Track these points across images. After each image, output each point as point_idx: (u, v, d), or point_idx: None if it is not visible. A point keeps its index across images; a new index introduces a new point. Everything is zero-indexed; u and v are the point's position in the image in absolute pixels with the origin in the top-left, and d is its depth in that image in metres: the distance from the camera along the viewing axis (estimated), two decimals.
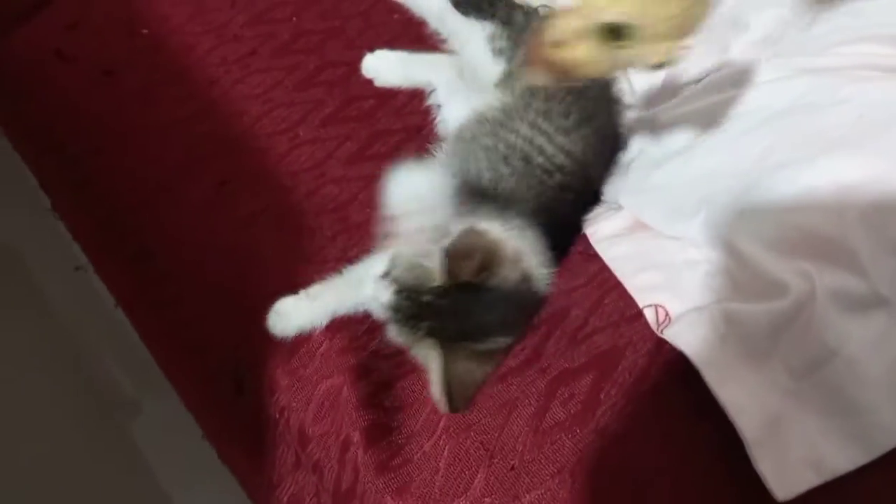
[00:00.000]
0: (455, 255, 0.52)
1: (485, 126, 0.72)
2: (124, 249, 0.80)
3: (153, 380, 1.10)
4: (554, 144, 0.68)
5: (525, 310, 0.56)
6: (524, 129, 0.69)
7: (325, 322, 0.67)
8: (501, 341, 0.54)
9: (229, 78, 0.87)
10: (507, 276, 0.53)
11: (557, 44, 0.49)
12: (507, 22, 0.78)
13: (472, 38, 0.80)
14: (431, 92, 0.86)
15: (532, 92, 0.72)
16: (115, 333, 1.16)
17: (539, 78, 0.52)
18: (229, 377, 0.71)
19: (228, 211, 0.78)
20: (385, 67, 0.88)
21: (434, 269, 0.55)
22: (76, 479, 1.02)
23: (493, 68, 0.77)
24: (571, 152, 0.69)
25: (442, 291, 0.53)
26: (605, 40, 0.46)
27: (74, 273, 1.18)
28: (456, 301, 0.53)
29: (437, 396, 0.51)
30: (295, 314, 0.67)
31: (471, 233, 0.53)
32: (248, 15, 0.91)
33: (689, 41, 0.47)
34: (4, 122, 0.94)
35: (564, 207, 0.67)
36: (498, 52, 0.77)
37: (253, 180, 0.80)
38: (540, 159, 0.67)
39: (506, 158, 0.67)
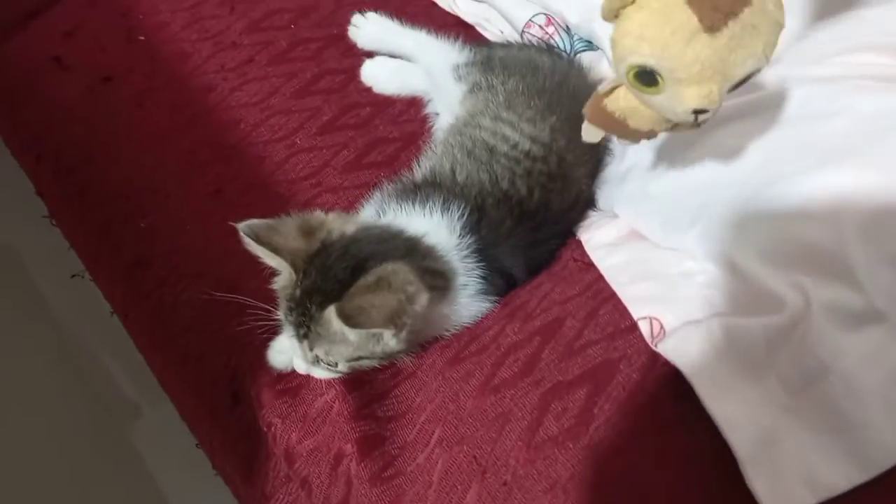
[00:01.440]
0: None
1: (454, 128, 0.74)
2: (121, 258, 0.80)
3: (153, 385, 1.11)
4: (518, 132, 0.69)
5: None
6: (487, 122, 0.71)
7: None
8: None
9: (227, 85, 0.87)
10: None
11: (607, 94, 0.47)
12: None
13: (438, 67, 0.83)
14: (429, 101, 0.86)
15: (493, 93, 0.74)
16: (113, 339, 1.17)
17: (595, 134, 0.50)
18: (225, 386, 0.71)
19: (225, 219, 0.78)
20: (383, 75, 0.88)
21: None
22: (76, 482, 1.02)
23: (456, 90, 0.80)
24: (538, 138, 0.69)
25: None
26: (636, 86, 0.44)
27: (71, 279, 1.19)
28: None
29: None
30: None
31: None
32: (246, 22, 0.91)
33: (728, 86, 0.43)
34: (2, 129, 0.95)
35: (545, 196, 0.67)
36: (458, 78, 0.80)
37: (250, 188, 0.80)
38: (504, 147, 0.68)
39: (470, 153, 0.68)
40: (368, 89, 0.88)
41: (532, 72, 0.76)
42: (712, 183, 0.62)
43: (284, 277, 0.62)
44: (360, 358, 0.59)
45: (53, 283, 1.24)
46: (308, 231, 0.61)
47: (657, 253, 0.62)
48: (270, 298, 0.72)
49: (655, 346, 0.53)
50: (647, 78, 0.42)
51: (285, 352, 0.66)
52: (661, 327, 0.55)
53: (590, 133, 0.51)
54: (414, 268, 0.56)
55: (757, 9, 0.40)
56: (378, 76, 0.88)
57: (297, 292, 0.59)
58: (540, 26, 0.91)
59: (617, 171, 0.73)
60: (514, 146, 0.68)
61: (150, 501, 1.05)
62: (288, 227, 0.61)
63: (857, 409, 0.47)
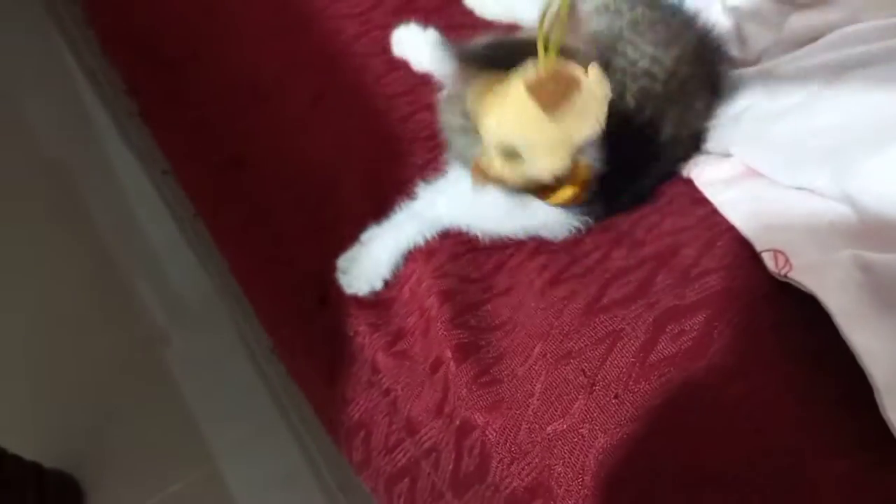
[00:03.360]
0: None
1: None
2: (214, 157, 0.80)
3: (186, 316, 1.12)
4: (639, 52, 0.67)
5: None
6: (606, 39, 0.69)
7: (396, 263, 0.68)
8: None
9: None
10: None
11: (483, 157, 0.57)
12: None
13: None
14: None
15: (618, 16, 0.71)
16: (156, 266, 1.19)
17: (480, 183, 0.59)
18: (313, 289, 0.71)
19: (322, 127, 0.77)
20: None
21: None
22: (103, 405, 1.04)
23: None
24: (660, 60, 0.67)
25: None
26: (504, 158, 0.54)
27: (122, 197, 1.20)
28: None
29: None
30: (356, 268, 0.68)
31: None
32: None
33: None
34: (97, 22, 0.95)
35: (658, 116, 0.65)
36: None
37: (348, 98, 0.79)
38: (622, 63, 0.66)
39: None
40: (471, 11, 0.86)
41: (657, 5, 0.74)
42: (846, 124, 0.60)
43: None
44: None
45: (105, 203, 1.26)
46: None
47: (778, 191, 0.60)
48: (360, 212, 0.72)
49: (785, 276, 0.51)
50: (512, 153, 0.54)
51: (351, 271, 0.68)
52: (787, 261, 0.53)
53: (477, 181, 0.59)
54: None
55: (585, 93, 0.52)
56: None
57: None
58: None
59: (731, 112, 0.71)
60: (634, 63, 0.66)
61: (180, 425, 1.07)
62: None
63: None
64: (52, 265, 1.22)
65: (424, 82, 0.80)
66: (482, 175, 0.57)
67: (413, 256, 0.69)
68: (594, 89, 0.53)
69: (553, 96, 0.52)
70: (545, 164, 0.54)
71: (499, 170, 0.56)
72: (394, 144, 0.76)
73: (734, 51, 0.79)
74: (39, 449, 0.95)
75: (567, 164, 0.54)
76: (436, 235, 0.68)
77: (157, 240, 1.23)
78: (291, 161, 0.76)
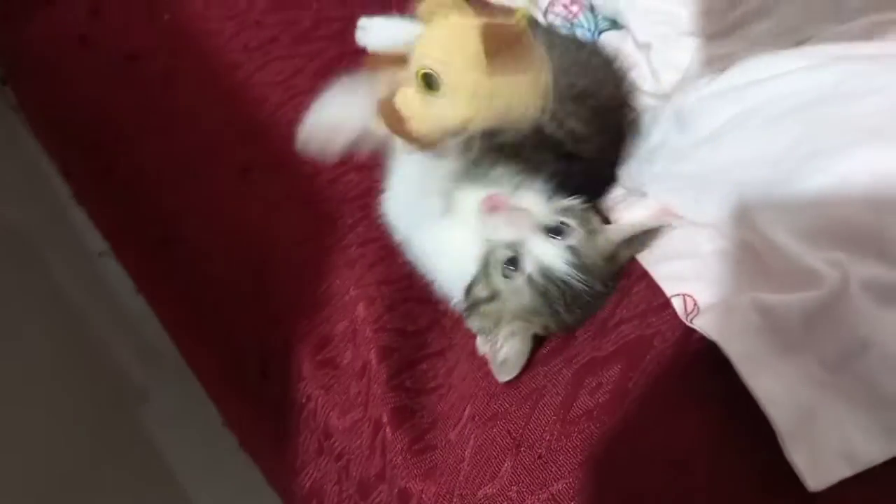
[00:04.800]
0: None
1: None
2: (148, 236, 0.81)
3: (162, 369, 1.10)
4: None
5: None
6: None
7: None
8: None
9: (251, 65, 0.87)
10: None
11: (393, 91, 0.53)
12: None
13: None
14: None
15: None
16: (125, 322, 1.17)
17: (382, 128, 0.54)
18: (254, 362, 0.72)
19: (251, 197, 0.78)
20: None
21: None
22: (81, 467, 1.02)
23: None
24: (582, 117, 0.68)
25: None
26: (422, 87, 0.50)
27: (88, 260, 1.18)
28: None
29: (511, 363, 0.56)
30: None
31: None
32: (270, 1, 0.91)
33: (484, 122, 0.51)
34: (26, 109, 0.95)
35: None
36: None
37: (275, 167, 0.80)
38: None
39: None
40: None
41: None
42: (747, 160, 0.62)
43: None
44: None
45: (71, 265, 1.24)
46: None
47: (688, 231, 0.62)
48: (297, 276, 0.73)
49: (691, 321, 0.53)
50: (432, 82, 0.50)
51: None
52: (696, 304, 0.55)
53: (379, 126, 0.55)
54: None
55: (528, 78, 0.50)
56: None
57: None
58: (564, 5, 0.90)
59: (646, 148, 0.73)
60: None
61: (161, 483, 1.05)
62: None
63: (894, 384, 0.47)
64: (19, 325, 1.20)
65: None
66: (389, 111, 0.52)
67: (353, 299, 0.69)
68: (539, 74, 0.50)
69: (498, 58, 0.48)
70: (461, 105, 0.50)
71: (410, 104, 0.51)
72: (323, 206, 0.77)
73: (647, 86, 0.81)
74: None
75: (479, 124, 0.51)
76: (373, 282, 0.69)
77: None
78: (223, 235, 0.77)
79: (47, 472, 1.00)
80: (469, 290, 0.60)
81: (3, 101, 1.27)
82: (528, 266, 0.56)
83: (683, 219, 0.64)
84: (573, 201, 0.61)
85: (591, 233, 0.59)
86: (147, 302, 0.85)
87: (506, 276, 0.57)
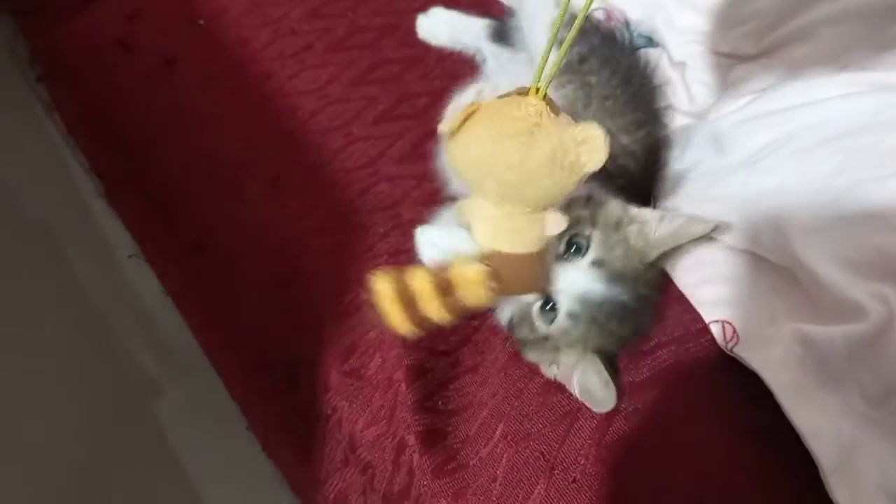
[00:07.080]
0: None
1: None
2: (178, 240, 0.81)
3: (181, 368, 1.11)
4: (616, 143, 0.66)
5: None
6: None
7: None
8: None
9: (285, 72, 0.87)
10: None
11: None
12: None
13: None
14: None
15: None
16: (147, 325, 1.18)
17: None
18: (283, 370, 0.72)
19: (282, 206, 0.78)
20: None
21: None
22: (96, 463, 1.03)
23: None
24: (634, 152, 0.67)
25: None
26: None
27: (112, 259, 1.19)
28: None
29: (599, 395, 0.52)
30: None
31: None
32: (305, 9, 0.91)
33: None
34: (61, 108, 0.96)
35: None
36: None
37: (307, 176, 0.80)
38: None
39: None
40: (426, 79, 0.88)
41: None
42: (785, 187, 0.61)
43: None
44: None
45: (94, 262, 1.26)
46: None
47: (726, 254, 0.62)
48: (327, 286, 0.73)
49: (731, 350, 0.53)
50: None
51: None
52: (735, 332, 0.54)
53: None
54: None
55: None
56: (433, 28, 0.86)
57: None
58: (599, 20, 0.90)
59: (679, 167, 0.72)
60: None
61: (173, 480, 1.05)
62: None
63: None
64: (38, 321, 1.21)
65: (382, 154, 0.82)
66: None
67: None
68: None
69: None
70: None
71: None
72: (354, 216, 0.77)
73: (683, 105, 0.81)
74: None
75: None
76: None
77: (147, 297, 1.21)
78: (253, 243, 0.77)
79: (64, 466, 1.01)
80: (511, 328, 0.58)
81: (35, 98, 1.29)
82: (563, 302, 0.54)
83: (719, 242, 0.64)
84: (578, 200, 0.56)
85: (616, 226, 0.56)
86: (175, 304, 0.86)
87: (547, 321, 0.55)
